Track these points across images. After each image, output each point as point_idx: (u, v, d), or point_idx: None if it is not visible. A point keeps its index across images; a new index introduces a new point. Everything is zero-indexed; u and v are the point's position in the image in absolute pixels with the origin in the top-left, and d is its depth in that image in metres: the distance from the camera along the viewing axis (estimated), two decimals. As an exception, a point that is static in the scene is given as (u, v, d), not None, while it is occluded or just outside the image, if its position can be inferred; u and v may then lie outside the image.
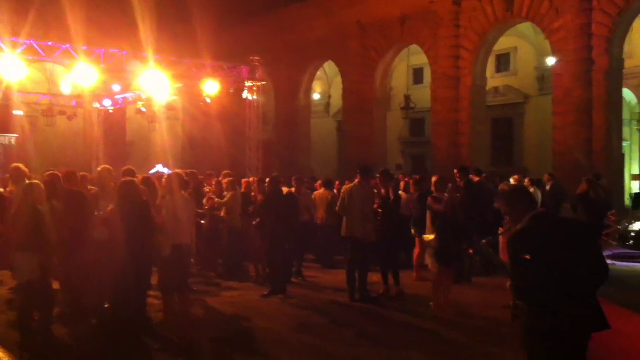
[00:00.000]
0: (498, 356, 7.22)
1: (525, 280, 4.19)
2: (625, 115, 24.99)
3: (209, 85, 18.67)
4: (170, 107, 22.88)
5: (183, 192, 8.08)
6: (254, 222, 11.28)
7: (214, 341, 7.85)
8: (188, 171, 11.44)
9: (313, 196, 13.83)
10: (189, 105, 24.22)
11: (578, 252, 4.21)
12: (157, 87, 18.22)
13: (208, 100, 19.45)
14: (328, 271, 13.06)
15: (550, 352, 4.14)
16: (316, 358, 7.21)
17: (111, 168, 9.33)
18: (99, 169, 9.25)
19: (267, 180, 11.66)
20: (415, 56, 29.03)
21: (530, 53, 29.32)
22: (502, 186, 11.20)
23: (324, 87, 36.89)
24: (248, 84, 19.32)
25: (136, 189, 7.76)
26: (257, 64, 19.18)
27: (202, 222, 11.91)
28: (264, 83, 20.19)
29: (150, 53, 17.32)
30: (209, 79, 18.60)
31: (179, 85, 20.55)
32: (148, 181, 9.93)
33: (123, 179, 8.24)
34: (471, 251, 10.64)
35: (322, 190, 13.84)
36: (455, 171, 12.68)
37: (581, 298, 4.17)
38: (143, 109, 24.09)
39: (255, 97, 19.56)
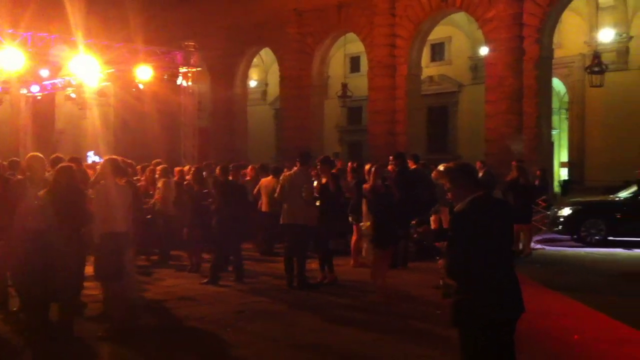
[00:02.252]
0: (432, 333, 7.36)
1: (458, 260, 4.24)
2: (555, 104, 25.78)
3: (141, 71, 18.18)
4: (101, 93, 22.21)
5: (118, 180, 7.82)
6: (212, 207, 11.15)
7: (154, 329, 7.75)
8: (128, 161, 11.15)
9: (260, 183, 13.62)
10: (122, 92, 23.55)
11: (505, 234, 4.41)
12: (88, 73, 17.64)
13: (141, 86, 18.98)
14: (267, 259, 12.99)
15: (479, 331, 4.22)
16: (255, 344, 7.14)
17: (41, 155, 8.98)
18: (28, 156, 8.86)
19: (218, 168, 11.49)
20: (352, 44, 29.11)
21: (464, 42, 29.84)
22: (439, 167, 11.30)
23: (261, 74, 36.61)
24: (182, 69, 18.90)
25: (73, 176, 7.49)
26: (191, 49, 18.79)
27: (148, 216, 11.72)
28: (199, 69, 19.81)
29: (79, 37, 16.72)
30: (142, 64, 18.11)
31: (111, 70, 19.95)
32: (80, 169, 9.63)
33: (61, 165, 7.94)
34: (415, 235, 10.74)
35: (269, 178, 13.63)
36: (391, 158, 12.81)
37: (508, 281, 4.30)
38: (73, 95, 23.32)
39: (190, 83, 19.16)
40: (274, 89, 33.69)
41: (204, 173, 12.41)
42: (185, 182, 11.90)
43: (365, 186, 9.91)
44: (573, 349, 6.98)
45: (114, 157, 8.11)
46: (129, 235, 7.79)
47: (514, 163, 14.30)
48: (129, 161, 12.24)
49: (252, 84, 35.73)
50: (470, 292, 4.22)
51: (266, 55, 32.99)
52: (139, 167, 13.64)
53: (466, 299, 4.24)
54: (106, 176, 7.66)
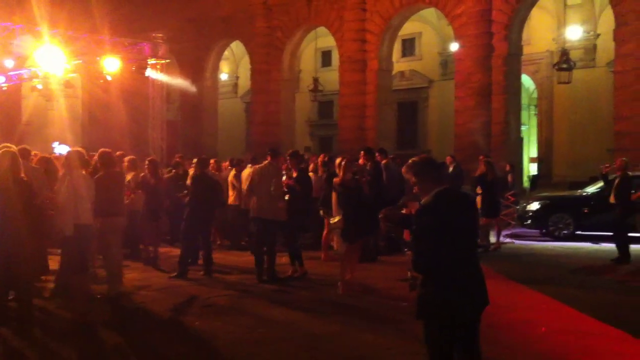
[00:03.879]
0: (397, 325, 7.38)
1: (423, 253, 4.25)
2: (524, 100, 26.09)
3: (108, 62, 17.89)
4: (68, 85, 21.81)
5: (83, 171, 7.69)
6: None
7: (118, 323, 7.63)
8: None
9: (244, 174, 13.42)
10: (89, 83, 23.17)
11: (469, 228, 4.46)
12: (53, 64, 17.30)
13: (108, 78, 18.67)
14: (237, 253, 12.92)
15: (443, 323, 4.25)
16: (222, 337, 7.07)
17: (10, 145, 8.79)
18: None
19: (195, 161, 11.36)
20: (323, 38, 29.08)
21: (434, 38, 30.02)
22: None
23: (231, 67, 36.39)
24: (151, 61, 18.64)
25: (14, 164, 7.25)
26: (159, 40, 18.54)
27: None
28: (167, 61, 19.57)
29: (44, 27, 16.38)
30: (109, 55, 17.83)
31: (77, 61, 19.60)
32: (46, 161, 9.45)
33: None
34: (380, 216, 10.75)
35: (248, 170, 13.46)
36: (362, 153, 12.80)
37: (473, 274, 4.34)
38: (39, 86, 22.86)
39: (158, 75, 18.92)
40: (245, 82, 33.52)
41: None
42: (141, 175, 11.70)
43: (335, 180, 9.89)
44: (538, 341, 7.03)
45: (79, 148, 7.96)
46: (93, 227, 7.69)
47: (481, 158, 14.42)
48: (119, 153, 11.94)
49: (223, 77, 35.51)
50: (434, 285, 4.24)
51: (237, 48, 32.79)
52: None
53: (430, 292, 4.26)
54: (72, 168, 7.51)
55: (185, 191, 11.25)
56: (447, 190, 4.47)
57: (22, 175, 7.13)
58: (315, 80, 28.52)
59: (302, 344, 6.85)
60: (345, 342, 6.91)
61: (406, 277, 4.68)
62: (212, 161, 14.40)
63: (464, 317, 4.28)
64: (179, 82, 23.37)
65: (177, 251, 11.68)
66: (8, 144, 7.87)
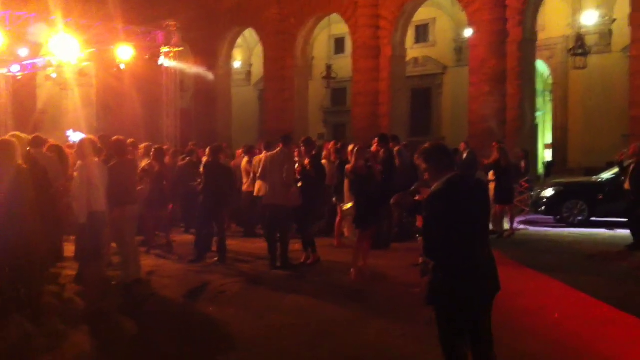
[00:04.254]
0: (407, 310, 7.40)
1: (434, 239, 4.26)
2: (539, 85, 25.85)
3: (122, 51, 17.96)
4: (82, 74, 21.92)
5: (96, 159, 7.76)
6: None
7: (134, 308, 7.71)
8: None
9: (255, 161, 13.46)
10: (103, 72, 23.25)
11: (481, 214, 4.44)
12: (67, 52, 17.38)
13: (122, 66, 18.73)
14: (251, 240, 12.97)
15: (454, 309, 4.26)
16: (235, 323, 7.13)
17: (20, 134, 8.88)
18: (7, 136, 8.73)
19: (208, 149, 11.41)
20: (337, 25, 28.93)
21: (448, 24, 29.77)
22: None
23: (244, 55, 36.33)
24: (164, 49, 18.66)
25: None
26: (172, 28, 18.54)
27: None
28: (180, 49, 19.56)
29: (58, 16, 16.44)
30: (122, 43, 17.88)
31: (91, 50, 19.68)
32: (57, 149, 9.52)
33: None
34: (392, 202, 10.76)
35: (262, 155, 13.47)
36: (375, 139, 12.77)
37: (485, 260, 4.35)
38: (53, 75, 22.97)
39: (171, 63, 18.95)
40: (258, 70, 33.46)
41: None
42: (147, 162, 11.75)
43: (348, 167, 9.90)
44: (552, 327, 7.02)
45: (91, 136, 8.03)
46: (106, 214, 7.77)
47: (494, 144, 14.35)
48: (131, 140, 11.98)
49: (236, 64, 35.47)
50: (444, 272, 4.24)
51: (250, 36, 32.72)
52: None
53: (440, 278, 4.26)
54: (85, 156, 7.57)
55: (199, 179, 11.32)
56: (458, 176, 4.47)
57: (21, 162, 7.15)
58: (329, 67, 28.44)
59: (314, 330, 6.89)
60: (357, 328, 6.95)
61: (418, 263, 4.69)
62: (239, 151, 14.51)
63: (474, 303, 4.27)
64: (196, 69, 23.42)
65: (189, 238, 11.80)
66: (18, 133, 7.94)
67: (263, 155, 11.12)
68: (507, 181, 13.41)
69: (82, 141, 7.89)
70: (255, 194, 12.99)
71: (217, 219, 10.82)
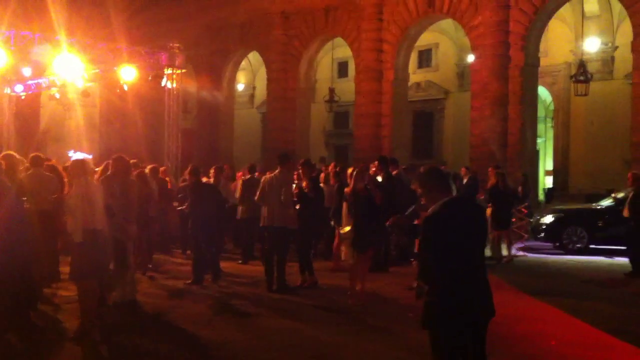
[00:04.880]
0: (404, 335, 7.37)
1: (429, 262, 4.26)
2: (540, 112, 25.89)
3: (125, 71, 18.06)
4: (86, 94, 22.01)
5: (89, 178, 7.78)
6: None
7: (131, 328, 7.73)
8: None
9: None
10: (106, 92, 23.39)
11: (477, 237, 4.43)
12: (71, 72, 17.50)
13: (125, 87, 18.84)
14: (250, 262, 12.93)
15: (448, 332, 4.22)
16: (230, 345, 7.09)
17: (13, 153, 8.92)
18: (3, 154, 8.77)
19: (188, 170, 11.47)
20: (340, 49, 29.10)
21: (451, 49, 29.92)
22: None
23: (248, 77, 36.53)
24: (167, 71, 18.77)
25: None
26: (176, 50, 18.67)
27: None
28: (184, 71, 19.68)
29: (62, 36, 16.57)
30: (126, 64, 17.99)
31: (95, 70, 19.82)
32: (53, 169, 9.57)
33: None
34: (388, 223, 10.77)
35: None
36: (376, 162, 12.79)
37: (481, 284, 4.31)
38: (57, 95, 23.12)
39: (174, 84, 19.05)
40: (261, 93, 33.59)
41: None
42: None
43: (347, 190, 9.89)
44: (548, 353, 6.98)
45: (83, 157, 8.07)
46: (105, 232, 7.75)
47: (490, 169, 14.36)
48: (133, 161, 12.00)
49: (240, 87, 35.66)
50: (439, 295, 4.22)
51: (254, 58, 32.92)
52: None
53: (435, 301, 4.23)
54: (79, 174, 7.58)
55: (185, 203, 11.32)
56: (455, 199, 4.47)
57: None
58: (332, 90, 28.53)
59: (308, 353, 6.84)
60: (351, 351, 6.90)
61: (413, 286, 4.68)
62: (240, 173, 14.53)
63: (468, 328, 4.24)
64: (204, 92, 23.40)
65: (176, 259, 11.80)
66: (12, 152, 7.98)
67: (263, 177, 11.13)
68: (504, 206, 13.37)
69: (75, 161, 7.91)
70: (238, 216, 13.02)
71: (205, 239, 10.74)
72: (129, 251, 9.16)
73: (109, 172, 9.01)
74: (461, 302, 4.19)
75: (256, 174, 13.67)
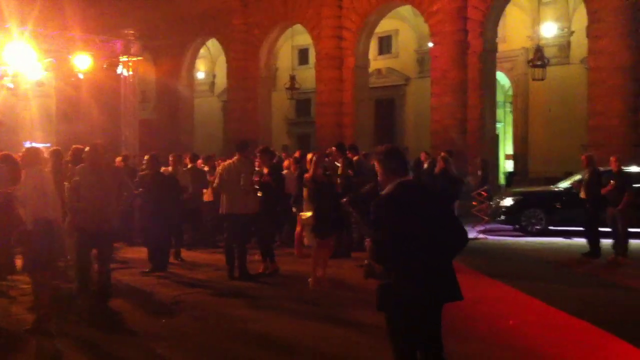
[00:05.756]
0: (363, 319, 7.33)
1: (380, 243, 4.20)
2: (500, 97, 26.22)
3: (80, 60, 17.68)
4: (40, 83, 21.49)
5: (42, 167, 7.59)
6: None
7: (86, 319, 7.55)
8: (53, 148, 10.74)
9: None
10: (61, 81, 22.90)
11: (437, 221, 4.28)
12: (24, 61, 17.06)
13: (80, 76, 18.44)
14: (209, 251, 12.80)
15: (403, 315, 4.20)
16: (189, 335, 6.99)
17: None
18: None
19: (146, 158, 11.28)
20: (300, 36, 29.00)
21: (411, 36, 30.06)
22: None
23: (208, 65, 36.19)
24: (123, 58, 18.44)
25: None
26: (131, 37, 18.34)
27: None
28: (139, 58, 19.37)
29: (13, 24, 16.13)
30: (80, 52, 17.61)
31: (49, 60, 19.35)
32: (7, 158, 9.30)
33: None
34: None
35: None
36: (333, 149, 12.77)
37: (436, 267, 4.24)
38: (10, 85, 22.52)
39: (130, 72, 18.71)
40: (222, 81, 33.35)
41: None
42: None
43: (306, 176, 9.83)
44: (507, 333, 7.04)
45: (36, 145, 7.85)
46: (58, 222, 7.57)
47: (442, 154, 14.47)
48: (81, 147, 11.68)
49: (200, 75, 35.31)
50: (394, 276, 4.18)
51: (213, 46, 32.60)
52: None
53: (394, 284, 4.19)
54: (31, 163, 7.38)
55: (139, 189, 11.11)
56: (410, 182, 4.41)
57: None
58: (292, 78, 28.42)
59: (269, 340, 6.79)
60: (309, 337, 6.86)
61: (362, 264, 4.62)
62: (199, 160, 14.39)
63: (422, 310, 4.20)
64: (162, 82, 22.83)
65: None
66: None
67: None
68: (455, 188, 13.58)
69: (27, 150, 7.70)
70: (205, 198, 12.91)
71: (158, 230, 10.57)
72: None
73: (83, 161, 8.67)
74: (415, 284, 4.14)
75: (198, 162, 13.74)
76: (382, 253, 4.22)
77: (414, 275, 4.15)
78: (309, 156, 10.48)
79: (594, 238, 11.76)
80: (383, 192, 4.34)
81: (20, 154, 8.04)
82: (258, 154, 10.84)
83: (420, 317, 4.21)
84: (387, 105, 31.05)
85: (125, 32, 18.34)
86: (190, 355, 6.37)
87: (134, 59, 18.68)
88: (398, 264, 4.18)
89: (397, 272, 4.18)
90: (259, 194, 10.37)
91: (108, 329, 7.29)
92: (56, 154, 9.71)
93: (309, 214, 9.67)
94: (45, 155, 9.34)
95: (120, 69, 18.49)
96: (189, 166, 13.02)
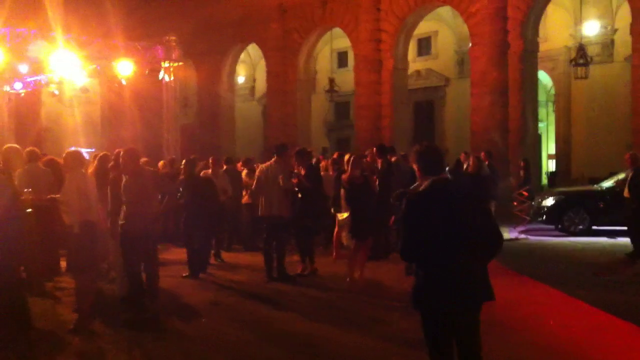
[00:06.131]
0: (395, 323, 7.34)
1: (408, 240, 4.19)
2: (542, 97, 25.81)
3: (122, 66, 18.04)
4: (84, 90, 22.03)
5: (83, 170, 7.78)
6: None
7: (128, 320, 7.67)
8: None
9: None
10: (104, 88, 23.42)
11: (469, 221, 4.18)
12: (69, 68, 17.50)
13: (123, 82, 18.82)
14: (249, 253, 12.91)
15: (433, 313, 4.18)
16: (228, 334, 7.08)
17: (17, 146, 8.91)
18: (5, 147, 8.73)
19: (183, 162, 11.45)
20: (339, 39, 29.04)
21: (450, 37, 29.84)
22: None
23: (248, 70, 36.51)
24: (164, 64, 18.74)
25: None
26: (173, 43, 18.64)
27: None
28: (180, 63, 19.63)
29: (58, 32, 16.55)
30: (123, 59, 17.98)
31: (93, 66, 19.81)
32: (51, 162, 9.56)
33: None
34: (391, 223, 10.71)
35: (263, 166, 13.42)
36: (374, 150, 12.75)
37: (464, 267, 4.15)
38: (56, 92, 23.15)
39: (172, 78, 19.01)
40: (262, 85, 33.56)
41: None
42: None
43: (343, 177, 9.85)
44: (547, 334, 6.94)
45: (75, 149, 8.03)
46: (101, 225, 7.74)
47: (472, 156, 14.33)
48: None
49: (240, 80, 35.65)
50: (424, 276, 4.17)
51: (253, 51, 32.87)
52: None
53: (420, 282, 4.18)
54: (71, 167, 7.57)
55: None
56: (443, 180, 4.35)
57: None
58: (331, 80, 28.50)
59: (305, 342, 6.82)
60: (342, 342, 6.85)
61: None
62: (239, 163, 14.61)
63: (454, 309, 4.16)
64: (203, 87, 23.07)
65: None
66: (10, 145, 7.97)
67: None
68: (489, 190, 13.48)
69: (67, 154, 7.87)
70: (243, 201, 13.03)
71: (199, 233, 10.65)
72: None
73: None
74: (443, 284, 4.10)
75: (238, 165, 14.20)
76: (407, 250, 4.21)
77: (442, 275, 4.11)
78: (347, 157, 10.51)
79: (638, 238, 11.49)
80: (416, 190, 4.33)
81: (63, 157, 8.22)
82: (294, 156, 10.89)
83: (452, 316, 4.18)
84: (426, 106, 30.86)
85: (167, 38, 18.63)
86: (226, 356, 6.45)
87: (175, 64, 18.96)
88: (426, 262, 4.15)
89: (426, 271, 4.17)
90: (298, 195, 10.44)
91: (148, 329, 7.41)
92: (101, 159, 9.87)
93: (345, 214, 9.70)
94: (90, 158, 9.59)
95: (161, 75, 18.80)
96: (224, 168, 13.16)
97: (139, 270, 8.17)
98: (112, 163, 10.21)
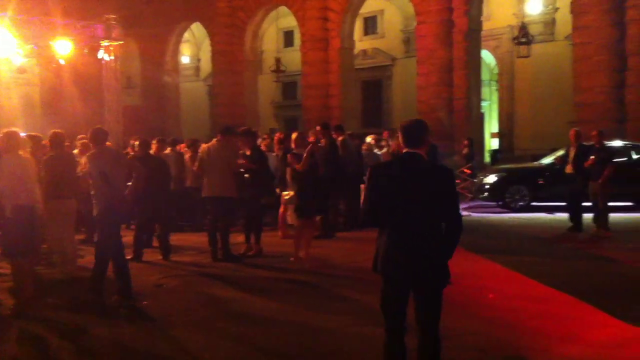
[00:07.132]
0: (348, 298, 7.40)
1: (366, 205, 4.37)
2: (485, 75, 26.18)
3: (60, 45, 17.49)
4: (22, 70, 21.30)
5: (21, 152, 7.51)
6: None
7: (66, 304, 7.55)
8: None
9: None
10: (43, 68, 22.69)
11: (422, 194, 4.22)
12: (4, 48, 16.88)
13: (61, 62, 18.25)
14: (196, 234, 12.77)
15: (387, 278, 4.31)
16: (172, 315, 6.99)
17: None
18: None
19: (137, 143, 11.18)
20: (285, 18, 28.84)
21: (396, 15, 29.95)
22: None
23: (193, 50, 35.97)
24: (104, 43, 18.25)
25: None
26: (113, 22, 18.15)
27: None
28: (121, 42, 19.16)
29: (-8, 10, 15.97)
30: (61, 38, 17.42)
31: (30, 46, 19.14)
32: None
33: None
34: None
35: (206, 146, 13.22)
36: (318, 128, 12.73)
37: (425, 237, 4.22)
38: (-8, 73, 22.32)
39: (112, 57, 18.54)
40: (207, 65, 33.16)
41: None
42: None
43: (289, 156, 9.81)
44: (490, 306, 7.09)
45: (13, 129, 7.74)
46: (37, 209, 7.52)
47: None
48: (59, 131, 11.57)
49: (184, 60, 35.09)
50: (382, 243, 4.29)
51: (198, 30, 32.37)
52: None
53: (377, 247, 4.32)
54: (8, 149, 7.31)
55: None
56: (410, 155, 4.31)
57: None
58: (278, 60, 28.32)
59: (253, 320, 6.79)
60: (290, 313, 6.88)
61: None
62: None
63: (409, 274, 4.24)
64: (147, 67, 22.58)
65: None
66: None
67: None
68: None
69: (3, 134, 7.57)
70: (188, 183, 12.88)
71: (156, 215, 10.51)
72: (68, 228, 8.92)
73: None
74: (397, 251, 4.20)
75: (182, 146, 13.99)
76: (363, 216, 4.44)
77: (397, 243, 4.21)
78: (294, 135, 10.47)
79: (576, 212, 11.80)
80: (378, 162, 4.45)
81: None
82: (239, 136, 10.76)
83: (399, 283, 4.29)
84: (374, 86, 30.98)
85: (106, 16, 18.13)
86: (164, 334, 6.39)
87: (115, 43, 18.49)
88: (382, 229, 4.29)
89: (384, 238, 4.27)
90: (246, 176, 10.34)
91: (90, 313, 7.26)
92: (34, 139, 9.59)
93: (291, 193, 9.68)
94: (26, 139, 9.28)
95: (101, 54, 18.30)
96: (168, 150, 12.94)
97: (107, 255, 7.90)
98: (47, 142, 9.87)
